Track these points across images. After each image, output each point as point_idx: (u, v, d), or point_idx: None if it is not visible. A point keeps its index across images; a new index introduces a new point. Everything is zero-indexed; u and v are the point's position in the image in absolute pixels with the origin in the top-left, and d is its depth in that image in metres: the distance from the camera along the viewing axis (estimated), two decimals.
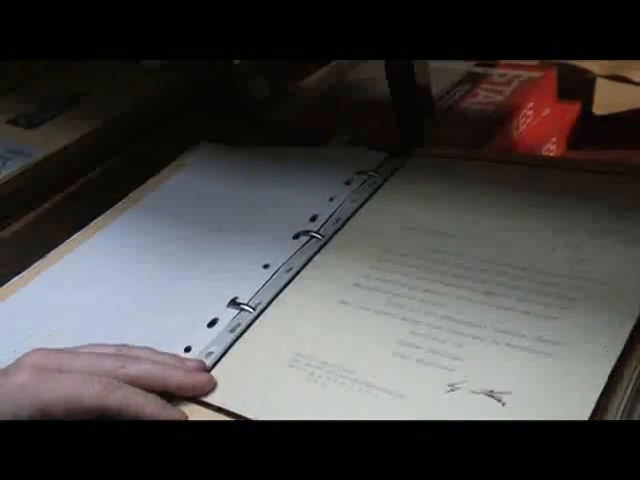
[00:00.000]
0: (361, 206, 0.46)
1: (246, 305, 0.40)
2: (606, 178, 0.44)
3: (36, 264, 0.50)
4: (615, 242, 0.39)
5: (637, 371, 0.32)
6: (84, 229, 0.52)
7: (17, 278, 0.48)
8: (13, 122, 0.63)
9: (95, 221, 0.53)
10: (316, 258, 0.43)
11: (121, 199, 0.55)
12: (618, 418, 0.30)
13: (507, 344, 0.34)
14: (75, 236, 0.52)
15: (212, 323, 0.40)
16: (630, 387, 0.31)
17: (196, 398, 0.35)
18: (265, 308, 0.40)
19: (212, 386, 0.36)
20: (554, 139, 0.65)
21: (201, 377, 0.36)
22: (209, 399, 0.35)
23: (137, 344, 0.38)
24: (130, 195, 0.55)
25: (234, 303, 0.41)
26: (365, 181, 0.49)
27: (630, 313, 0.34)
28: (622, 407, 0.30)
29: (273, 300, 0.40)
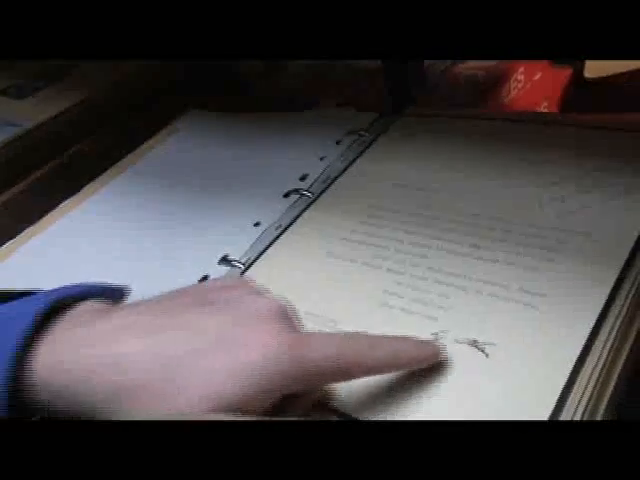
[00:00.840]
0: (351, 164, 0.46)
1: (236, 262, 0.40)
2: (594, 134, 0.44)
3: (27, 230, 0.50)
4: (601, 196, 0.39)
5: (619, 322, 0.32)
6: (76, 195, 0.52)
7: (8, 244, 0.48)
8: (3, 92, 0.63)
9: (87, 187, 0.53)
10: (305, 214, 0.43)
11: None
12: (599, 370, 0.30)
13: (491, 295, 0.34)
14: (67, 202, 0.52)
15: (203, 280, 0.40)
16: (612, 337, 0.31)
17: None
18: (253, 263, 0.40)
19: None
20: (545, 104, 0.65)
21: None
22: None
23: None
24: (121, 161, 0.55)
25: (225, 260, 0.41)
26: (355, 141, 0.49)
27: (614, 265, 0.34)
28: (604, 357, 0.30)
29: (261, 255, 0.40)
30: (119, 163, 0.55)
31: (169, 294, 0.30)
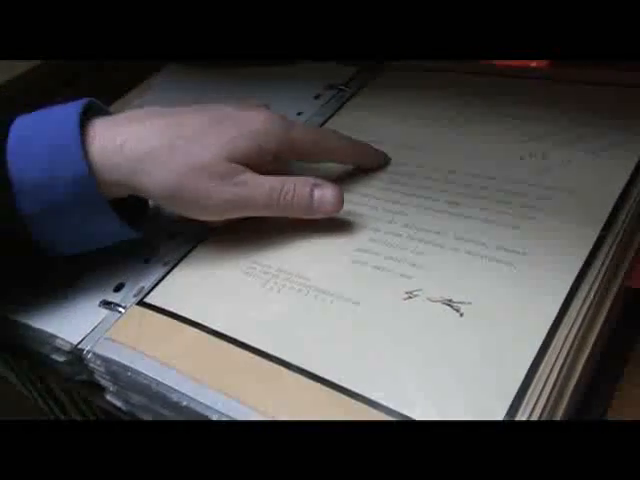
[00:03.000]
0: (328, 120, 0.45)
1: None
2: (574, 88, 0.43)
3: None
4: (582, 151, 0.38)
5: (598, 281, 0.31)
6: None
7: None
8: None
9: None
10: None
11: None
12: (576, 329, 0.29)
13: (467, 252, 0.33)
14: None
15: (172, 236, 0.39)
16: (591, 297, 0.30)
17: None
18: None
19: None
20: (534, 64, 0.64)
21: None
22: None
23: None
24: None
25: None
26: (334, 95, 0.48)
27: (595, 223, 0.33)
28: (582, 316, 0.29)
29: None
30: None
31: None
